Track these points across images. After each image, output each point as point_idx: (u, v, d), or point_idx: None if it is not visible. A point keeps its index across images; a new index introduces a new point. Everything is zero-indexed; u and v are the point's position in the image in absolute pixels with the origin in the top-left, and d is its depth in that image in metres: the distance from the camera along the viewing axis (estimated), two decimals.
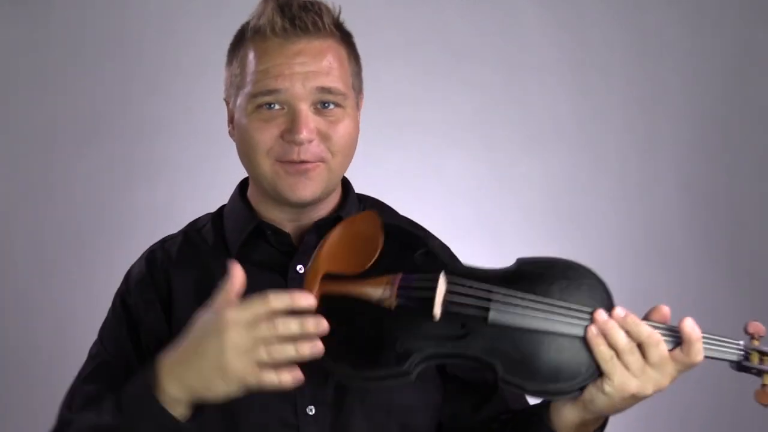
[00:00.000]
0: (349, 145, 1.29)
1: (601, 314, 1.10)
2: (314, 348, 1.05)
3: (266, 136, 1.25)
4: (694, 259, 2.43)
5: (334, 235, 1.19)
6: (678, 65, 2.42)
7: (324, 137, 1.26)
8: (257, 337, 1.04)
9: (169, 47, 2.26)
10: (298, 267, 1.29)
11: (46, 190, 2.24)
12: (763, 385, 1.14)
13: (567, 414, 1.16)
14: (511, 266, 1.16)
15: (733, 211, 2.44)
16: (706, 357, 1.11)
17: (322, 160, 1.27)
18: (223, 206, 1.42)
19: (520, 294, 1.11)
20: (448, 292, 1.12)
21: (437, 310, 1.10)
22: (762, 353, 1.13)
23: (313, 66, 1.24)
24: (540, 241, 2.37)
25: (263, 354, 1.04)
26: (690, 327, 1.10)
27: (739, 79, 2.43)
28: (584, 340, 1.09)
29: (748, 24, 2.42)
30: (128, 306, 1.34)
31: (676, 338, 1.11)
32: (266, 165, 1.26)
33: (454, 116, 2.36)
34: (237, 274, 1.09)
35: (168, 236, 1.42)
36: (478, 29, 2.37)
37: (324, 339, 1.07)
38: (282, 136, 1.25)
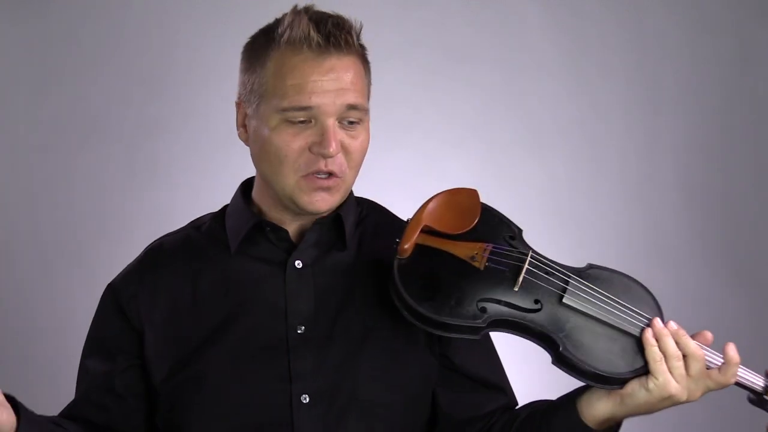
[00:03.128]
0: (362, 158, 1.36)
1: (658, 321, 1.24)
2: None
3: (294, 148, 1.30)
4: (694, 259, 2.43)
5: (439, 198, 1.33)
6: (678, 65, 2.42)
7: (345, 150, 1.32)
8: None
9: (169, 48, 2.26)
10: (297, 262, 1.36)
11: (46, 190, 2.24)
12: None
13: (600, 407, 1.26)
14: (584, 266, 1.31)
15: (733, 211, 2.44)
16: (736, 383, 1.25)
17: (343, 173, 1.33)
18: (227, 206, 1.46)
19: (593, 287, 1.26)
20: (531, 269, 1.26)
21: (519, 280, 1.25)
22: None
23: (342, 82, 1.29)
24: (540, 241, 2.37)
25: None
26: (732, 351, 1.24)
27: (738, 79, 2.43)
28: (638, 340, 1.23)
29: (747, 24, 2.42)
30: (118, 297, 1.42)
31: (713, 360, 1.25)
32: (291, 178, 1.32)
33: (454, 116, 2.36)
34: None
35: (170, 232, 1.48)
36: (478, 29, 2.37)
37: (412, 281, 1.25)
38: (310, 148, 1.30)
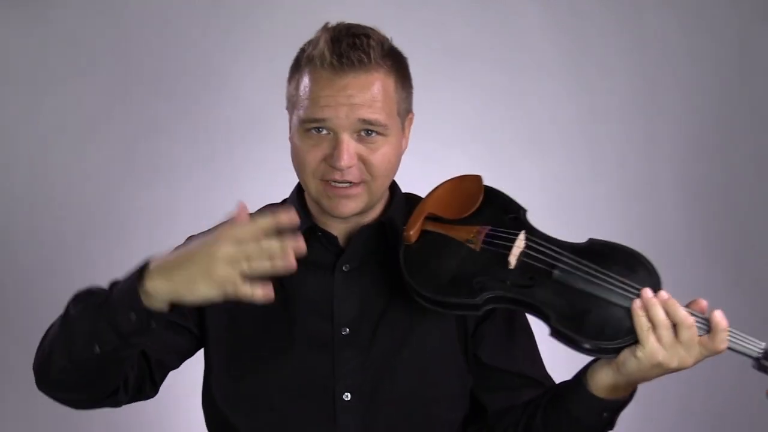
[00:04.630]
0: (387, 168, 1.42)
1: (647, 292, 1.27)
2: (287, 263, 1.17)
3: (312, 158, 1.37)
4: (694, 259, 2.43)
5: (445, 186, 1.43)
6: (677, 65, 2.42)
7: (365, 162, 1.38)
8: (245, 251, 1.17)
9: (169, 47, 2.26)
10: (345, 266, 1.44)
11: (46, 190, 2.24)
12: None
13: (602, 376, 1.31)
14: (583, 242, 1.37)
15: (732, 211, 2.44)
16: (729, 348, 1.27)
17: (363, 181, 1.39)
18: (286, 200, 1.53)
19: (584, 262, 1.31)
20: (525, 248, 1.33)
21: (512, 259, 1.31)
22: None
23: (358, 99, 1.34)
24: None
25: (245, 266, 1.17)
26: (719, 317, 1.27)
27: (737, 79, 2.43)
28: (629, 311, 1.26)
29: (746, 24, 2.42)
30: None
31: (708, 327, 1.28)
32: (313, 183, 1.40)
33: (454, 116, 2.36)
34: (242, 212, 1.22)
35: None
36: (478, 29, 2.37)
37: (416, 266, 1.33)
38: (325, 159, 1.37)
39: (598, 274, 1.29)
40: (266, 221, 1.18)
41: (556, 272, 1.30)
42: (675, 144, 2.43)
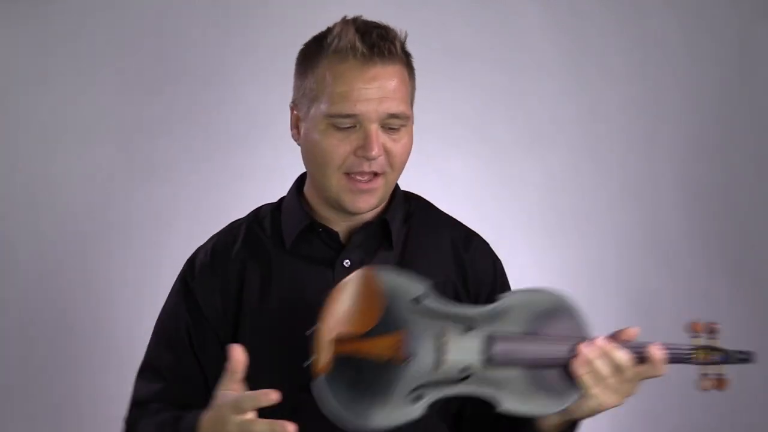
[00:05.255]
0: (405, 158, 1.44)
1: (584, 347, 1.28)
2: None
3: (340, 152, 1.39)
4: (694, 259, 2.42)
5: (336, 299, 1.29)
6: (677, 65, 2.42)
7: (388, 152, 1.40)
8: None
9: (170, 47, 2.26)
10: (345, 262, 1.45)
11: (46, 190, 2.24)
12: (703, 375, 1.33)
13: (551, 419, 1.35)
14: (498, 303, 1.31)
15: (733, 211, 2.44)
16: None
17: (384, 173, 1.41)
18: (283, 198, 1.54)
19: (514, 336, 1.28)
20: (450, 342, 1.28)
21: (444, 365, 1.27)
22: (704, 348, 1.33)
23: (385, 91, 1.37)
24: (540, 241, 2.38)
25: None
26: (656, 351, 1.29)
27: (738, 78, 2.43)
28: (569, 369, 1.28)
29: (746, 24, 2.42)
30: (191, 289, 1.49)
31: (641, 354, 1.30)
32: (335, 178, 1.40)
33: (454, 116, 2.36)
34: (236, 358, 1.26)
35: (235, 223, 1.55)
36: (478, 29, 2.37)
37: (343, 398, 1.25)
38: (354, 152, 1.38)
39: (531, 343, 1.28)
40: (250, 404, 1.21)
41: (491, 358, 1.28)
42: (675, 144, 2.43)
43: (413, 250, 1.48)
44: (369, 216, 1.47)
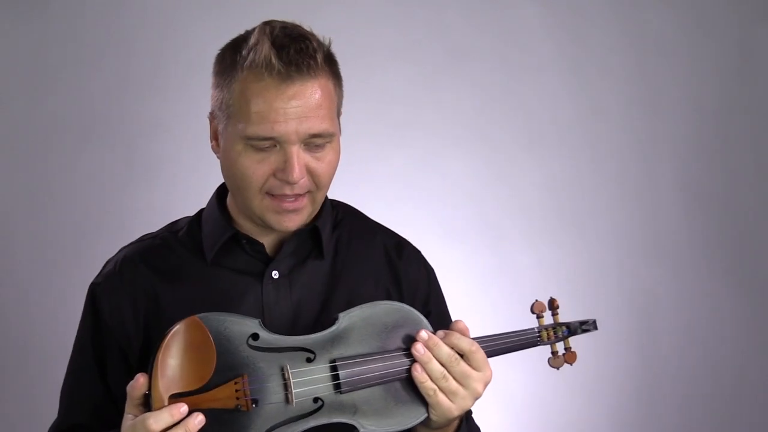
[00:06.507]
0: (331, 176, 1.35)
1: (414, 352, 1.25)
2: None
3: (259, 174, 1.30)
4: (694, 259, 2.43)
5: (163, 356, 1.19)
6: (677, 65, 2.42)
7: (312, 173, 1.31)
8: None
9: (168, 47, 2.26)
10: (273, 273, 1.37)
11: (46, 190, 2.24)
12: (553, 353, 1.35)
13: (420, 428, 1.31)
14: (334, 326, 1.27)
15: (732, 211, 2.44)
16: (509, 351, 1.32)
17: (309, 192, 1.33)
18: (203, 210, 1.46)
19: (356, 358, 1.26)
20: (294, 376, 1.23)
21: (294, 400, 1.22)
22: (549, 327, 1.35)
23: (306, 109, 1.27)
24: (540, 241, 2.38)
25: None
26: (461, 325, 1.28)
27: (737, 78, 2.43)
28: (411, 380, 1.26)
29: (747, 24, 2.42)
30: (97, 300, 1.42)
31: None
32: (257, 200, 1.32)
33: (454, 116, 2.36)
34: (135, 385, 1.19)
35: (146, 236, 1.48)
36: (478, 29, 2.37)
37: None
38: (274, 174, 1.30)
39: (374, 362, 1.26)
40: (161, 422, 1.15)
41: (342, 386, 1.24)
42: (675, 143, 2.43)
43: (345, 259, 1.42)
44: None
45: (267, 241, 1.39)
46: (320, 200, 1.36)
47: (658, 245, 2.43)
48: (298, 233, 1.38)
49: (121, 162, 2.26)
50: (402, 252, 1.47)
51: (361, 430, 1.24)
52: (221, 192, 1.45)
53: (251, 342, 1.23)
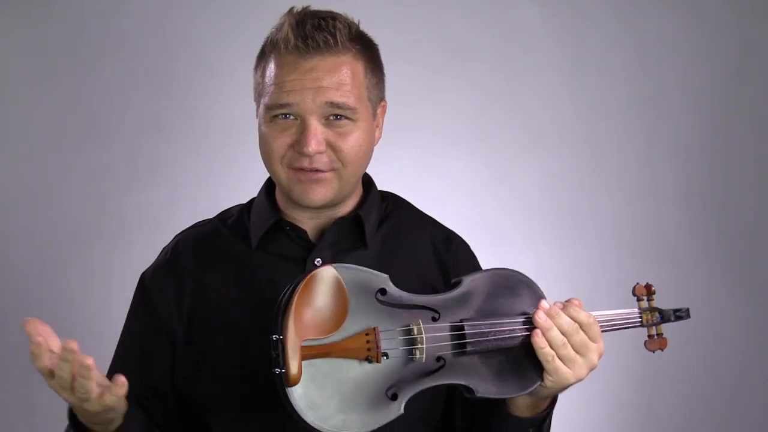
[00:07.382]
0: (359, 155, 1.36)
1: (537, 318, 1.26)
2: (84, 374, 1.20)
3: (279, 144, 1.34)
4: (694, 258, 2.43)
5: (297, 304, 1.19)
6: (677, 65, 2.42)
7: (334, 148, 1.33)
8: (58, 386, 1.25)
9: (169, 47, 2.26)
10: (316, 260, 1.39)
11: (46, 190, 2.24)
12: (650, 336, 1.40)
13: (521, 401, 1.33)
14: (458, 288, 1.28)
15: (733, 211, 2.44)
16: (611, 329, 1.34)
17: (333, 169, 1.35)
18: (254, 199, 1.50)
19: (482, 322, 1.26)
20: (427, 336, 1.23)
21: (422, 356, 1.22)
22: (648, 311, 1.40)
23: (325, 81, 1.31)
24: (540, 241, 2.38)
25: (74, 392, 1.23)
26: (576, 301, 1.29)
27: (738, 79, 2.43)
28: (532, 346, 1.26)
29: (747, 24, 2.42)
30: (146, 287, 1.47)
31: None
32: (281, 171, 1.36)
33: (454, 116, 2.36)
34: (117, 383, 1.22)
35: (199, 223, 1.52)
36: (478, 29, 2.37)
37: (318, 405, 1.18)
38: (293, 145, 1.33)
39: (496, 326, 1.27)
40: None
41: (467, 347, 1.25)
42: (675, 143, 2.43)
43: (392, 250, 1.43)
44: (340, 213, 1.41)
45: (310, 228, 1.42)
46: (350, 179, 1.37)
47: (658, 245, 2.43)
48: (340, 222, 1.40)
49: (122, 162, 2.26)
50: (450, 245, 1.49)
51: (477, 393, 1.25)
52: (270, 182, 1.48)
53: (379, 296, 1.24)
